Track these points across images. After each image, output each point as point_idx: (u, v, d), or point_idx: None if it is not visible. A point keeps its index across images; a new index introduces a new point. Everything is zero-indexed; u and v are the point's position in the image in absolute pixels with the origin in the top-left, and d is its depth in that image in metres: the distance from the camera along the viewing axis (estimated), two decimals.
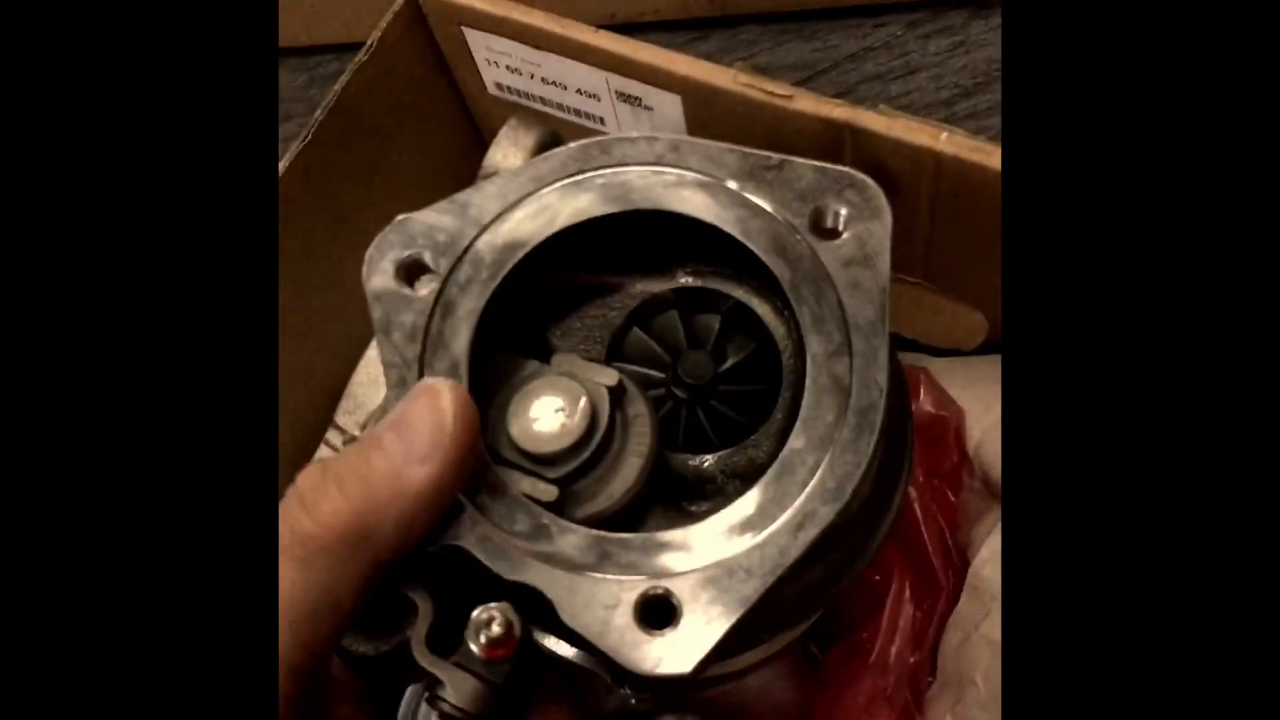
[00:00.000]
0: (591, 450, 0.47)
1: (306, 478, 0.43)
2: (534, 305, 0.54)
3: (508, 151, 0.53)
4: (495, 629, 0.42)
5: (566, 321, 0.56)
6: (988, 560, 0.79)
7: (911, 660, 0.78)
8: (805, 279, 0.47)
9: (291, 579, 0.41)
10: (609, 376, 0.48)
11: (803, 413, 0.46)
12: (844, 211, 0.48)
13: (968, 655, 0.78)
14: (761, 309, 0.56)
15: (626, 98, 0.82)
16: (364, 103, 0.82)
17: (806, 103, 0.75)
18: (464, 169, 0.94)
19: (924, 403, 0.82)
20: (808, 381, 0.46)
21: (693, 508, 0.52)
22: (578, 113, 0.85)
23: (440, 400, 0.44)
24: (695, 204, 0.49)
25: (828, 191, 0.48)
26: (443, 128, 0.91)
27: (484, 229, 0.49)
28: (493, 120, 0.92)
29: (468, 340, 0.48)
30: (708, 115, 0.79)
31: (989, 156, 0.72)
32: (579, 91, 0.83)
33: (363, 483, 0.42)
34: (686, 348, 0.57)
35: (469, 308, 0.48)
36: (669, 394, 0.56)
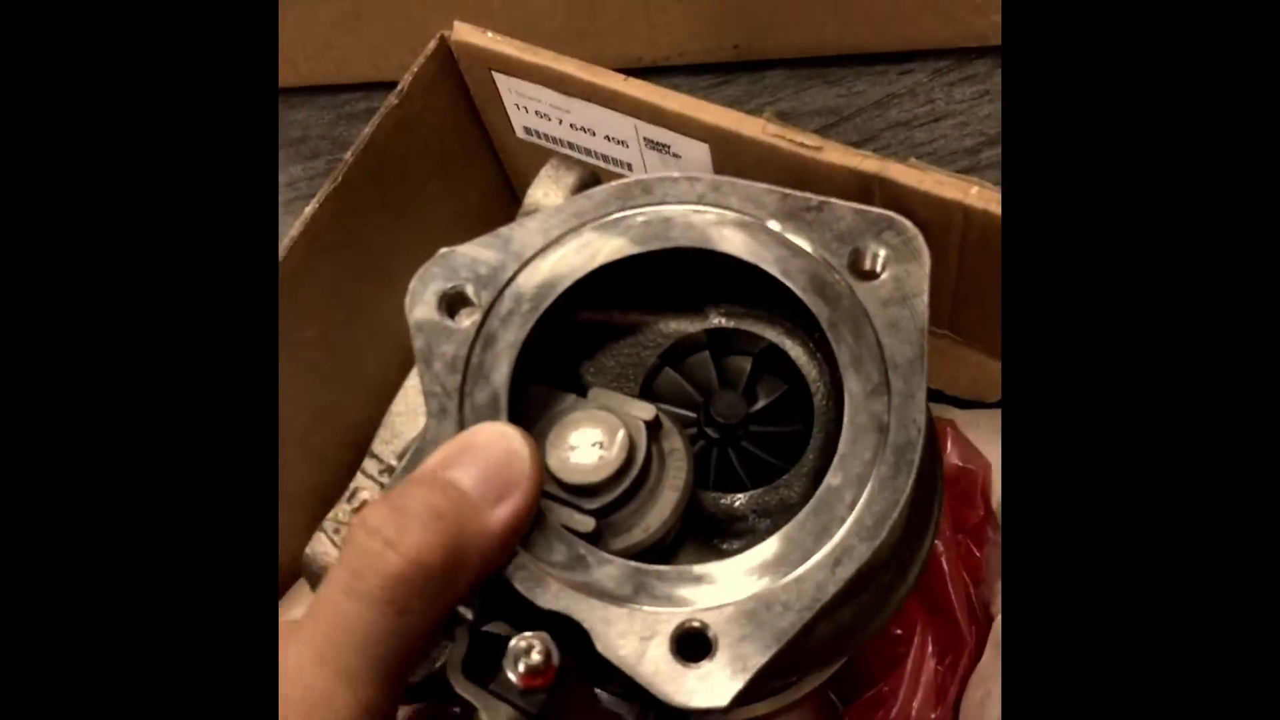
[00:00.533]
0: (629, 483, 0.47)
1: (377, 515, 0.41)
2: (570, 341, 0.55)
3: (549, 190, 0.54)
4: (534, 657, 0.43)
5: (600, 359, 0.56)
6: None
7: (933, 716, 0.78)
8: (844, 318, 0.48)
9: (385, 626, 0.40)
10: (646, 411, 0.49)
11: (840, 449, 0.46)
12: (883, 253, 0.49)
13: (990, 713, 0.78)
14: (794, 350, 0.57)
15: (655, 145, 0.83)
16: (394, 144, 0.83)
17: (836, 154, 0.76)
18: (492, 212, 0.95)
19: (950, 455, 0.82)
20: (845, 419, 0.47)
21: (724, 546, 0.53)
22: (606, 159, 0.86)
23: (513, 442, 0.44)
24: (735, 243, 0.50)
25: (867, 233, 0.49)
26: (472, 171, 0.92)
27: (525, 263, 0.50)
28: (521, 164, 0.94)
29: (508, 372, 0.48)
30: (736, 164, 0.80)
31: None
32: (608, 138, 0.84)
33: (447, 521, 0.42)
34: (718, 388, 0.58)
35: (509, 340, 0.49)
36: (700, 434, 0.57)
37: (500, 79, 0.85)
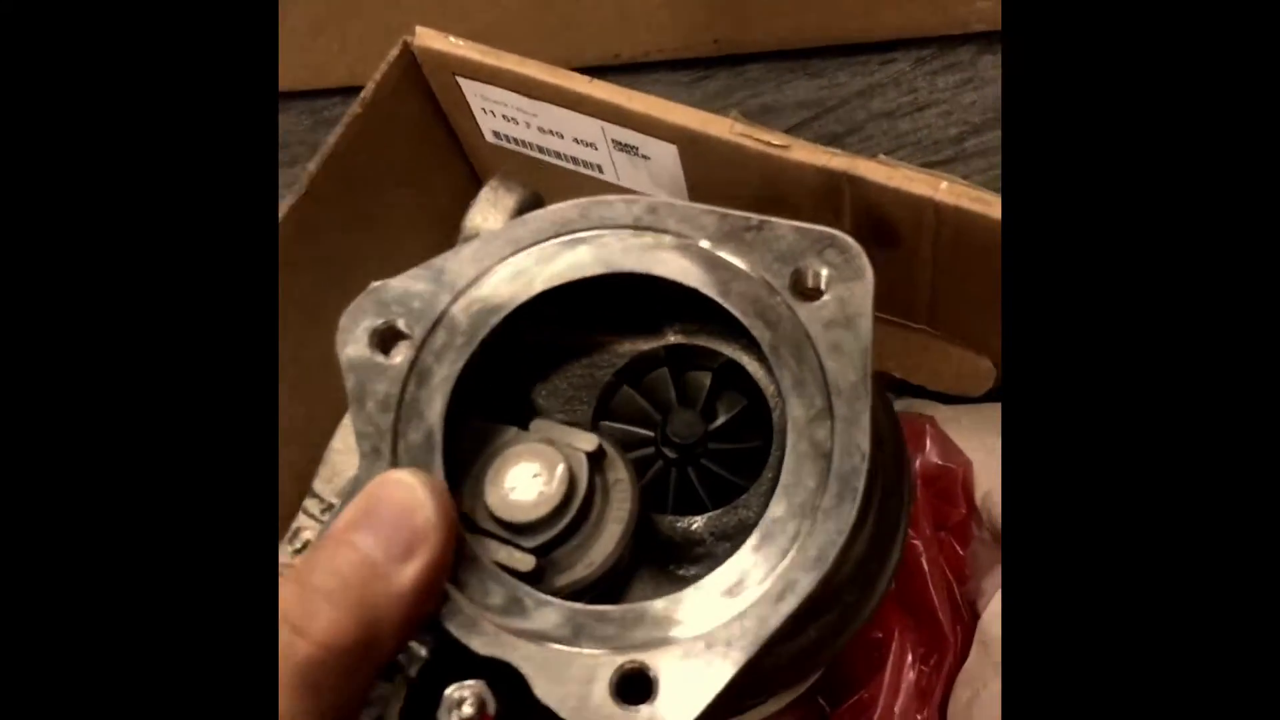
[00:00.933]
0: (569, 518, 0.46)
1: (288, 598, 0.40)
2: (517, 367, 0.53)
3: (487, 214, 0.52)
4: (467, 710, 0.41)
5: (552, 381, 0.55)
6: (997, 616, 0.78)
7: (918, 718, 0.77)
8: (785, 341, 0.46)
9: (301, 710, 0.38)
10: (588, 441, 0.47)
11: (783, 478, 0.45)
12: (825, 272, 0.47)
13: (976, 715, 0.76)
14: (752, 366, 0.55)
15: (623, 146, 0.81)
16: (360, 153, 0.82)
17: (804, 153, 0.74)
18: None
19: (930, 454, 0.81)
20: (788, 447, 0.45)
21: (681, 571, 0.51)
22: (575, 161, 0.84)
23: (416, 492, 0.43)
24: (673, 267, 0.48)
25: (808, 252, 0.47)
26: (442, 176, 0.90)
27: (459, 294, 0.48)
28: (493, 169, 0.92)
29: (442, 408, 0.47)
30: (704, 165, 0.79)
31: (989, 206, 0.71)
32: (576, 140, 0.83)
33: (354, 591, 0.40)
34: (677, 405, 0.56)
35: (444, 374, 0.47)
36: (659, 453, 0.55)
37: (465, 84, 0.84)
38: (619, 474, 0.48)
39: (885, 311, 0.84)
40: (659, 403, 0.57)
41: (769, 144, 0.75)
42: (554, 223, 0.50)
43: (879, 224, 0.77)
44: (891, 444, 0.58)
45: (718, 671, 0.42)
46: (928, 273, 0.79)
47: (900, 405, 0.88)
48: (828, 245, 0.47)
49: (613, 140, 0.81)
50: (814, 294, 0.47)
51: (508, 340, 0.50)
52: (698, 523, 0.53)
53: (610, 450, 0.48)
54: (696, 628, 0.43)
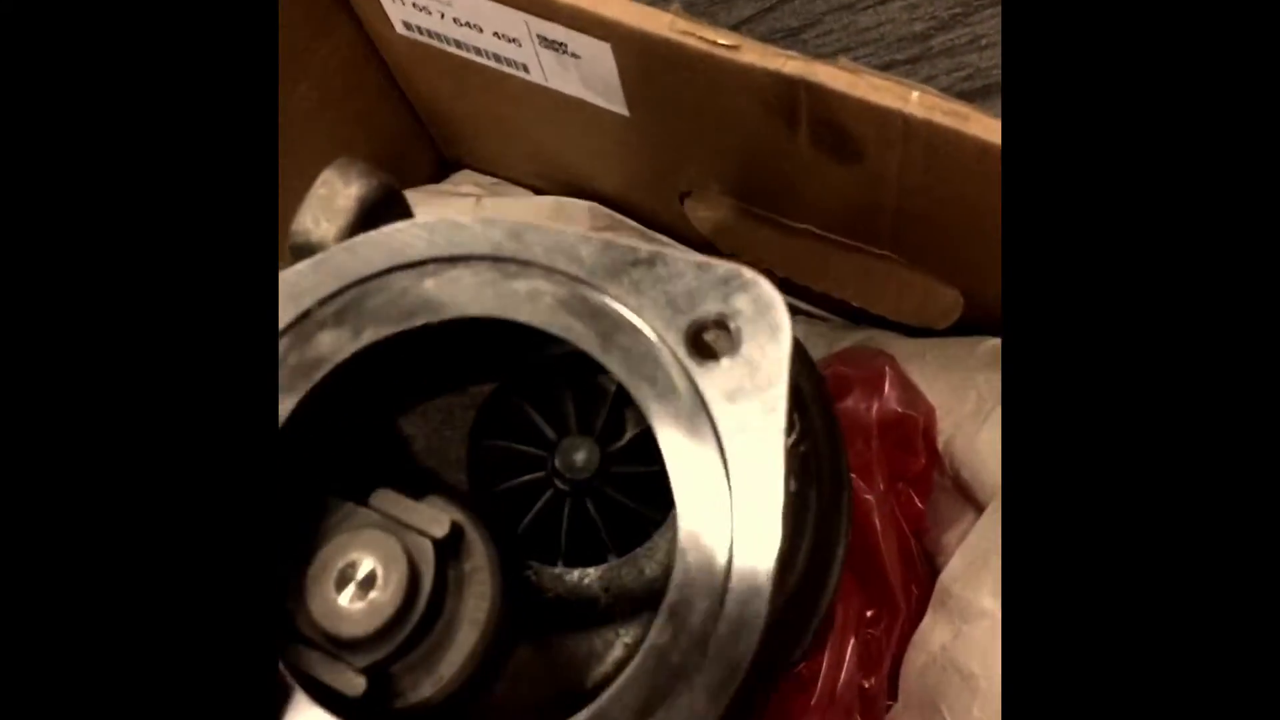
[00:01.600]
0: (410, 629, 0.37)
1: None
2: (362, 408, 0.43)
3: (319, 216, 0.41)
4: None
5: (420, 407, 0.45)
6: (959, 575, 0.70)
7: (866, 685, 0.70)
8: (678, 415, 0.36)
9: None
10: (438, 523, 0.38)
11: (669, 597, 0.35)
12: (731, 326, 0.36)
13: (932, 681, 0.69)
14: None
15: (550, 44, 0.69)
16: None
17: (754, 54, 0.63)
18: (378, 121, 0.82)
19: (889, 399, 0.71)
20: (676, 558, 0.36)
21: (568, 641, 0.43)
22: (499, 59, 0.73)
23: None
24: (540, 310, 0.38)
25: (710, 296, 0.37)
26: (347, 76, 0.78)
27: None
28: (409, 68, 0.80)
29: None
30: (643, 65, 0.68)
31: (965, 121, 0.61)
32: (497, 35, 0.71)
33: None
34: (574, 427, 0.47)
35: None
36: (548, 482, 0.46)
37: None
38: (477, 560, 0.39)
39: (845, 235, 0.73)
40: (556, 416, 0.48)
41: (715, 44, 0.63)
42: (391, 251, 0.39)
43: (839, 137, 0.67)
44: (830, 442, 0.49)
45: None
46: (893, 193, 0.69)
47: (859, 337, 0.78)
48: (736, 289, 0.37)
49: (538, 36, 0.69)
50: (715, 354, 0.37)
51: (337, 394, 0.40)
52: (591, 575, 0.44)
53: (470, 529, 0.39)
54: None
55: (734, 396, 0.36)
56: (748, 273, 0.37)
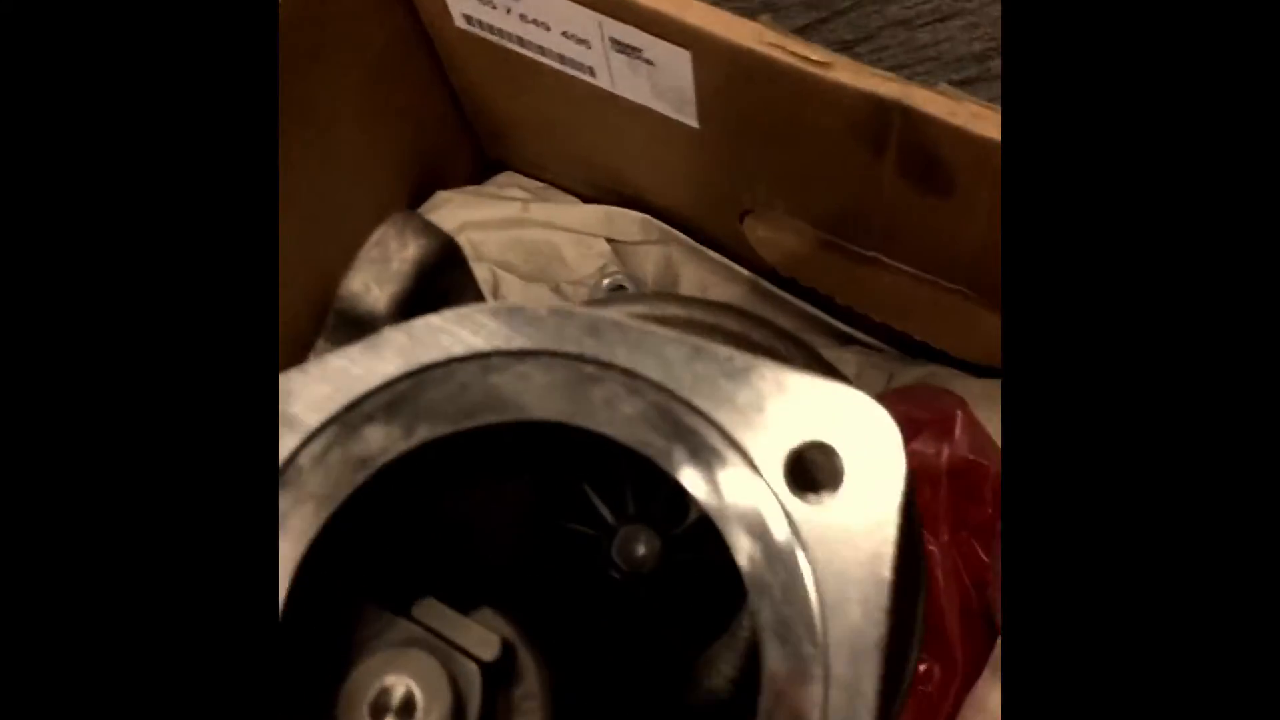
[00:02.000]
0: None
1: None
2: (418, 493, 0.39)
3: (370, 280, 0.36)
4: None
5: (471, 490, 0.40)
6: None
7: None
8: (769, 557, 0.32)
9: None
10: (488, 645, 0.33)
11: None
12: (838, 459, 0.32)
13: None
14: None
15: (624, 47, 0.64)
16: (295, 32, 0.65)
17: (848, 74, 0.59)
18: (421, 115, 0.77)
19: (960, 445, 0.68)
20: (760, 712, 0.31)
21: None
22: (563, 60, 0.68)
23: None
24: (617, 419, 0.33)
25: (814, 421, 0.32)
26: (400, 71, 0.73)
27: (309, 439, 0.33)
28: (463, 63, 0.74)
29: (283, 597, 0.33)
30: (723, 77, 0.64)
31: None
32: (565, 34, 0.66)
33: None
34: (633, 503, 0.42)
35: (299, 529, 0.33)
36: (604, 569, 0.42)
37: None
38: (528, 686, 0.34)
39: (919, 267, 0.69)
40: (612, 497, 0.43)
41: (806, 59, 0.59)
42: (453, 339, 0.34)
43: (931, 167, 0.63)
44: (908, 559, 0.44)
45: None
46: (980, 228, 0.65)
47: (920, 373, 0.74)
48: (844, 414, 0.32)
49: (611, 39, 0.64)
50: (816, 487, 0.32)
51: (388, 494, 0.35)
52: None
53: (522, 650, 0.34)
54: None
55: (835, 544, 0.31)
56: (859, 396, 0.32)
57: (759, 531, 0.32)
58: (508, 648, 0.34)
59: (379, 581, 0.35)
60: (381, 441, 0.33)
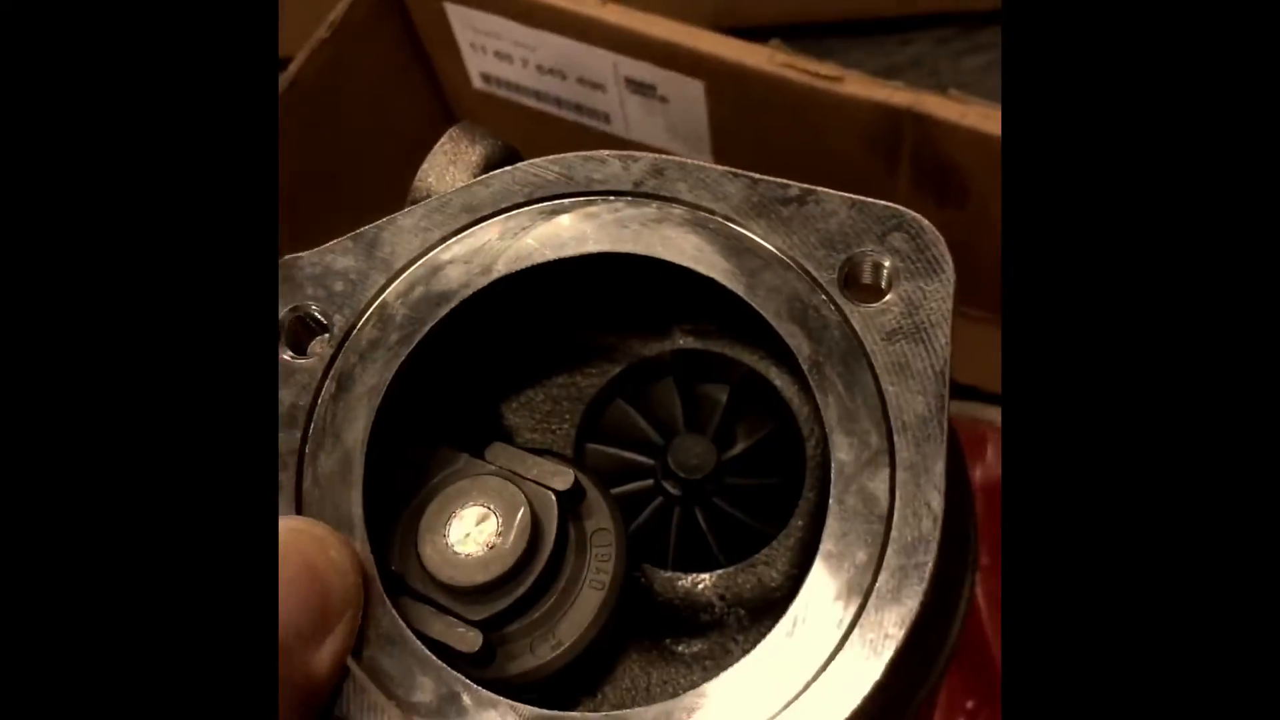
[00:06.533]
0: (530, 583, 0.36)
1: None
2: (476, 373, 0.44)
3: (444, 171, 0.42)
4: None
5: (525, 393, 0.45)
6: None
7: None
8: (832, 356, 0.36)
9: None
10: (561, 477, 0.38)
11: (824, 545, 0.35)
12: (888, 264, 0.37)
13: None
14: (780, 380, 0.45)
15: (638, 86, 0.72)
16: (324, 96, 0.72)
17: (859, 86, 0.66)
18: None
19: (993, 465, 0.71)
20: (831, 501, 0.35)
21: (680, 648, 0.42)
22: (579, 109, 0.75)
23: (330, 552, 0.34)
24: (683, 248, 0.38)
25: (866, 235, 0.37)
26: (418, 131, 0.80)
27: (396, 275, 0.39)
28: (480, 120, 0.82)
29: (366, 426, 0.37)
30: (736, 106, 0.70)
31: None
32: (581, 81, 0.73)
33: None
34: (683, 428, 0.47)
35: (371, 383, 0.38)
36: (658, 488, 0.46)
37: (453, 10, 0.74)
38: (601, 521, 0.38)
39: None
40: (662, 423, 0.47)
41: (816, 75, 0.66)
42: (526, 185, 0.40)
43: (944, 174, 0.68)
44: (955, 486, 0.48)
45: None
46: (997, 240, 0.69)
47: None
48: (893, 227, 0.37)
49: (626, 79, 0.71)
50: (873, 293, 0.37)
51: (462, 338, 0.40)
52: (705, 581, 0.43)
53: (591, 489, 0.39)
54: None
55: (892, 337, 0.36)
56: (907, 211, 0.37)
57: (821, 336, 0.37)
58: (578, 483, 0.38)
59: (454, 426, 0.40)
60: (461, 278, 0.39)
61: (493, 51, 0.75)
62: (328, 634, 0.34)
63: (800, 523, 0.43)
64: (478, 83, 0.77)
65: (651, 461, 0.46)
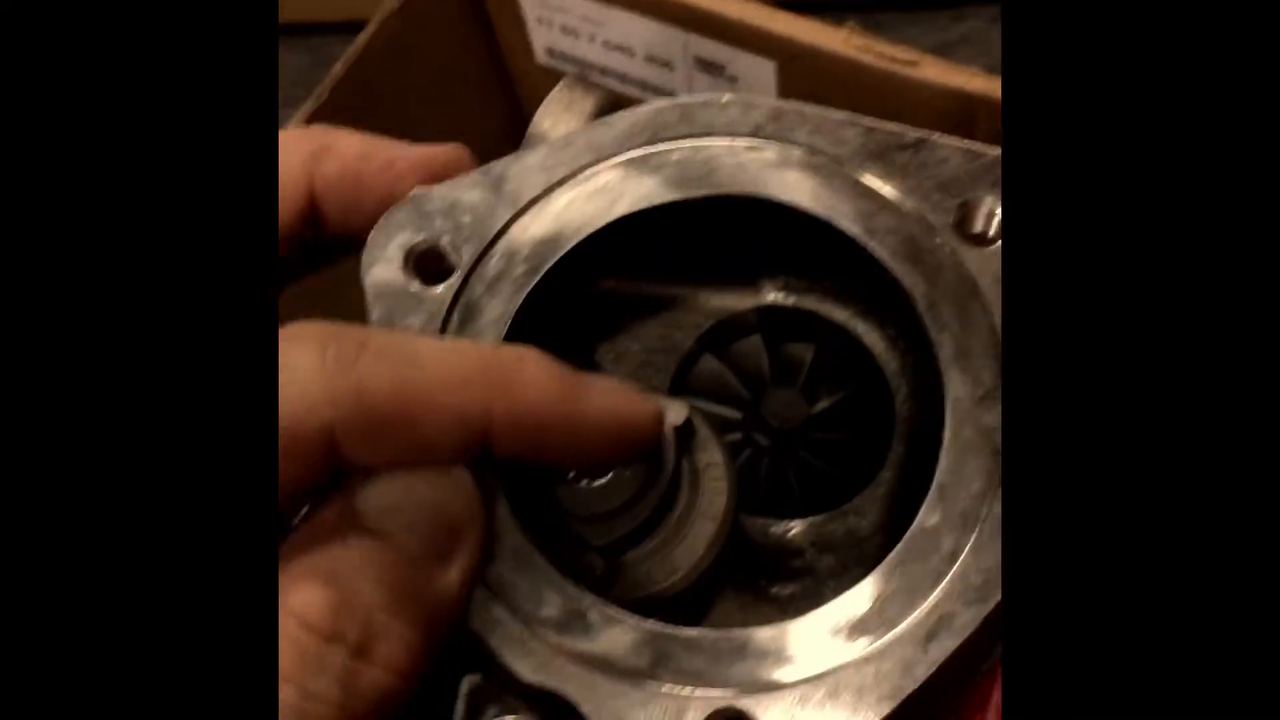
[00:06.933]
0: (650, 511, 0.38)
1: (318, 605, 0.32)
2: (582, 316, 0.45)
3: (559, 117, 0.44)
4: None
5: (621, 341, 0.47)
6: None
7: None
8: (947, 296, 0.38)
9: None
10: (676, 412, 0.39)
11: (939, 477, 0.36)
12: (1001, 210, 0.39)
13: None
14: (869, 337, 0.47)
15: (707, 65, 0.73)
16: (386, 72, 0.73)
17: (935, 71, 0.67)
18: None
19: None
20: (946, 434, 0.37)
21: (774, 590, 0.43)
22: (644, 85, 0.76)
23: (456, 479, 0.35)
24: (801, 191, 0.40)
25: (981, 181, 0.39)
26: (481, 106, 0.82)
27: (522, 211, 0.41)
28: (542, 97, 0.84)
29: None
30: (808, 87, 0.71)
31: None
32: (649, 59, 0.75)
33: (410, 602, 0.34)
34: (771, 383, 0.48)
35: (497, 313, 0.40)
36: (747, 440, 0.47)
37: None
38: (713, 456, 0.40)
39: None
40: (749, 378, 0.49)
41: (893, 59, 0.67)
42: (647, 127, 0.41)
43: None
44: None
45: None
46: None
47: None
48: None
49: (695, 57, 0.73)
50: (987, 237, 0.39)
51: (574, 279, 0.42)
52: (796, 529, 0.44)
53: (702, 427, 0.40)
54: (814, 668, 0.35)
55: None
56: None
57: (936, 277, 0.38)
58: (691, 420, 0.40)
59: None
60: (583, 216, 0.40)
61: (559, 26, 0.76)
62: (455, 555, 0.35)
63: (889, 474, 0.45)
64: (542, 57, 0.79)
65: (739, 415, 0.48)
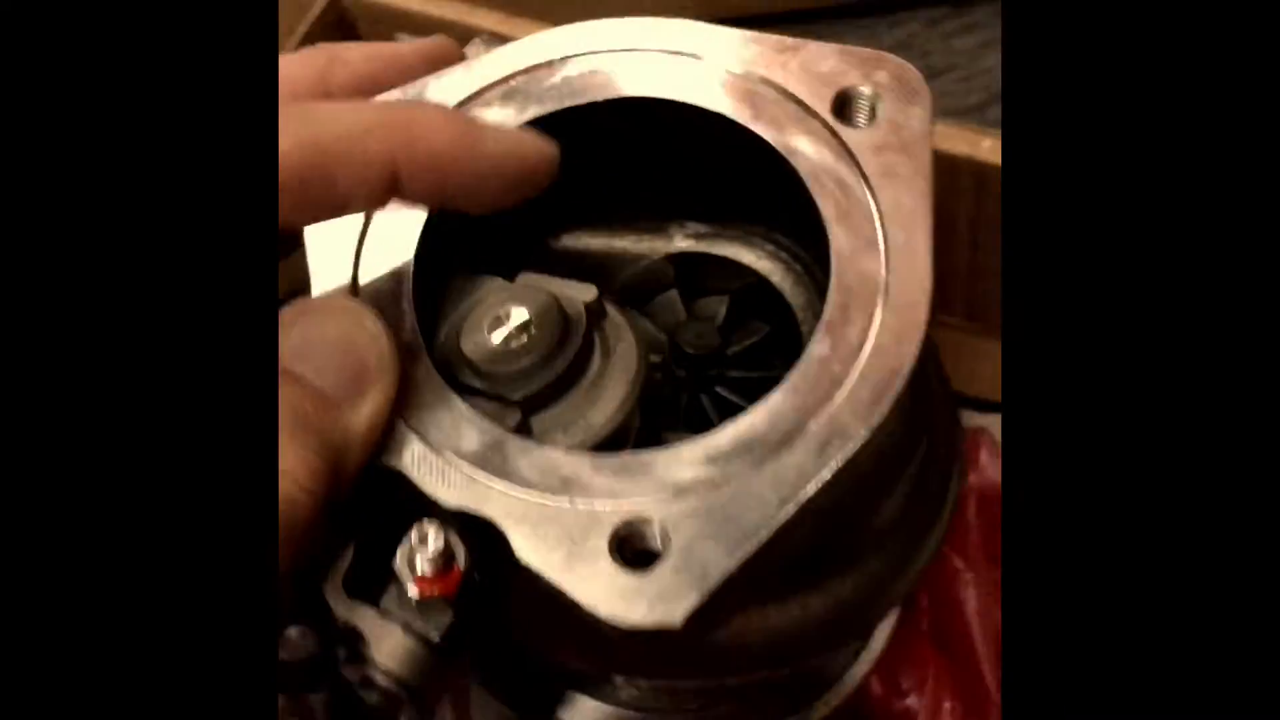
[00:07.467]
0: (563, 366, 0.42)
1: None
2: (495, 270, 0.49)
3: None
4: (432, 547, 0.36)
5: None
6: None
7: None
8: (826, 166, 0.43)
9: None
10: (586, 291, 0.43)
11: (826, 315, 0.40)
12: (873, 93, 0.43)
13: None
14: (777, 276, 0.52)
15: None
16: None
17: None
18: None
19: (986, 470, 0.74)
20: (832, 281, 0.41)
21: None
22: None
23: (364, 320, 0.39)
24: (683, 87, 0.45)
25: (853, 73, 0.44)
26: None
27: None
28: None
29: (413, 247, 0.43)
30: None
31: None
32: None
33: (311, 427, 0.37)
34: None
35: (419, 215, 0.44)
36: (667, 375, 0.51)
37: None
38: (624, 336, 0.44)
39: None
40: (665, 326, 0.53)
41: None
42: (569, 38, 0.46)
43: None
44: (944, 402, 0.54)
45: (743, 530, 0.37)
46: (964, 253, 0.74)
47: None
48: (876, 67, 0.44)
49: None
50: (859, 122, 0.43)
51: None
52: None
53: (612, 310, 0.44)
54: (717, 479, 0.38)
55: (880, 150, 0.42)
56: (888, 55, 0.44)
57: (817, 155, 0.43)
58: (601, 301, 0.43)
59: (490, 259, 0.46)
60: (497, 119, 0.44)
61: None
62: (363, 395, 0.38)
63: None
64: None
65: (658, 358, 0.52)
